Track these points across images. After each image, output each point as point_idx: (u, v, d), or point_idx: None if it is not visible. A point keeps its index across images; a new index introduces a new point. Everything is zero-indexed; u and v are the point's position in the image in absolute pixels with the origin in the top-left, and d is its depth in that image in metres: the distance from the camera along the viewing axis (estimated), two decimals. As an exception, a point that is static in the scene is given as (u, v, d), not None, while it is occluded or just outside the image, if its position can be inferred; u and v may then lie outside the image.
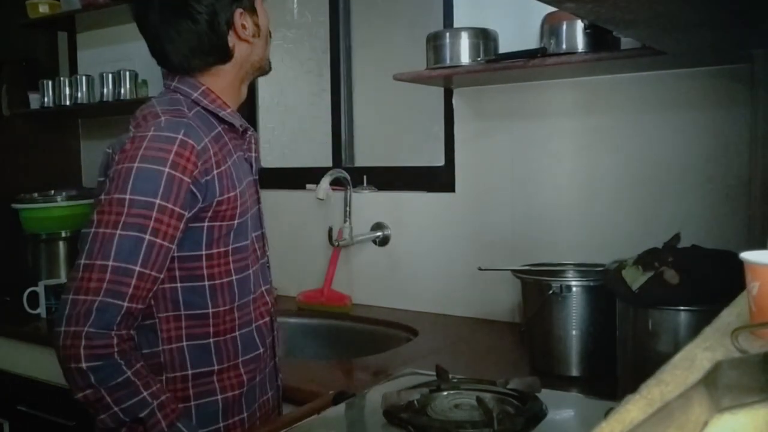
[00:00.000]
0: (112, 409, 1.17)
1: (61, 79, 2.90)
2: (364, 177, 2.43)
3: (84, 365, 1.14)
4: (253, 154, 1.43)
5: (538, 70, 1.83)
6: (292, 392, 1.54)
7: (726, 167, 1.75)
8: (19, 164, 3.00)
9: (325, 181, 2.20)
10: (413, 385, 1.29)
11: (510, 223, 2.09)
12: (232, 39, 1.34)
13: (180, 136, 1.21)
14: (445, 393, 1.25)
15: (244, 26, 1.35)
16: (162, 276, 1.22)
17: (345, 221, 2.34)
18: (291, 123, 2.78)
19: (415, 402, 1.21)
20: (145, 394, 1.18)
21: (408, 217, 2.31)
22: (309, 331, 2.30)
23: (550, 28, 1.80)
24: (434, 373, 1.35)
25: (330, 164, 2.55)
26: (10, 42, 3.12)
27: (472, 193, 2.18)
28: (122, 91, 2.73)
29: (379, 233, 2.35)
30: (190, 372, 1.29)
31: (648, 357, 1.27)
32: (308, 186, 2.49)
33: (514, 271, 1.70)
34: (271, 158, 2.72)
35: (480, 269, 1.85)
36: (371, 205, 2.38)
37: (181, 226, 1.21)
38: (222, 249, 1.28)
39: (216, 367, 1.31)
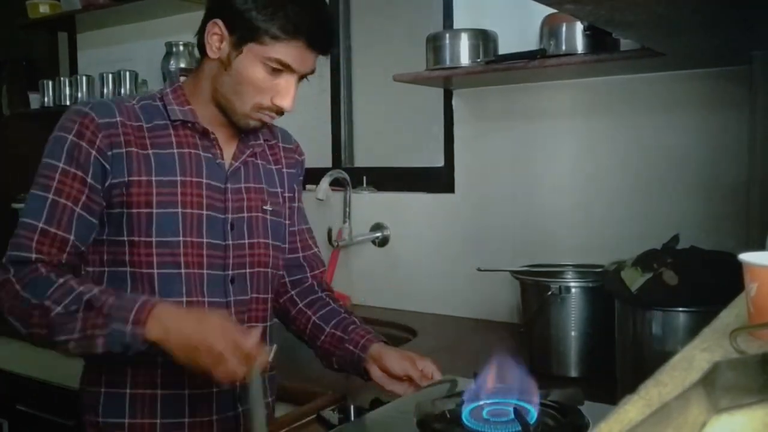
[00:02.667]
0: (54, 309, 1.16)
1: (62, 79, 2.90)
2: (364, 177, 2.44)
3: (21, 292, 1.19)
4: (234, 159, 1.39)
5: (537, 71, 1.83)
6: (292, 392, 1.55)
7: (725, 168, 1.76)
8: (19, 164, 2.99)
9: (325, 182, 2.20)
10: (448, 394, 1.26)
11: (509, 224, 2.09)
12: (209, 45, 1.31)
13: (86, 110, 1.28)
14: (482, 403, 1.22)
15: (212, 40, 1.30)
16: (71, 237, 1.25)
17: (344, 222, 2.34)
18: (290, 124, 2.77)
19: (448, 412, 1.18)
20: (79, 288, 1.19)
21: (407, 217, 2.32)
22: (308, 332, 2.29)
23: (549, 29, 1.80)
24: (472, 380, 1.33)
25: (329, 165, 2.56)
26: (11, 42, 3.13)
27: (472, 193, 2.18)
28: (122, 91, 2.73)
29: (378, 234, 2.35)
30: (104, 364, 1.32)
31: (646, 358, 1.27)
32: (308, 186, 2.49)
33: (513, 271, 1.70)
34: (270, 159, 2.72)
35: (479, 270, 1.85)
36: (371, 205, 2.39)
37: (86, 191, 1.26)
38: (143, 238, 1.28)
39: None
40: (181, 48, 2.66)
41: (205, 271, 1.34)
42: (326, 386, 1.52)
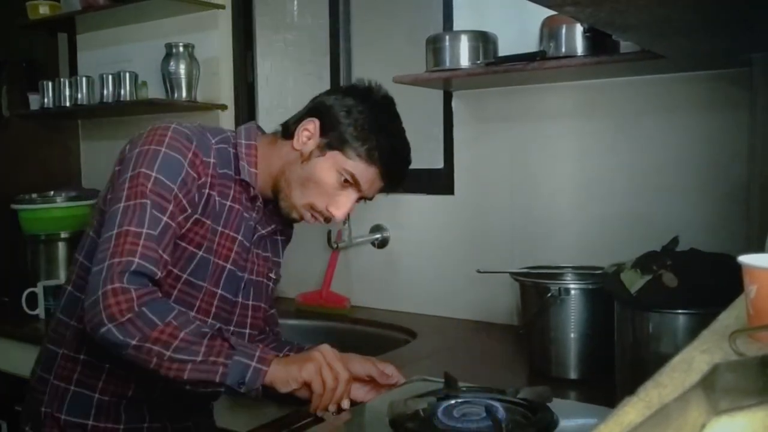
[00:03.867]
0: (183, 330, 1.17)
1: (61, 80, 2.90)
2: (364, 179, 2.43)
3: (137, 309, 1.16)
4: (260, 226, 1.46)
5: (537, 73, 1.83)
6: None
7: (725, 171, 1.76)
8: (19, 165, 3.00)
9: (325, 183, 2.20)
10: (420, 394, 1.28)
11: (509, 226, 2.09)
12: (297, 137, 1.38)
13: (194, 141, 1.31)
14: (453, 402, 1.23)
15: (302, 134, 1.38)
16: (168, 261, 1.27)
17: (344, 223, 2.33)
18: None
19: (422, 411, 1.19)
20: (198, 323, 1.22)
21: (407, 219, 2.32)
22: (308, 333, 2.30)
23: (549, 31, 1.80)
24: (442, 380, 1.35)
25: (329, 166, 2.55)
26: (10, 43, 3.13)
27: (471, 195, 2.18)
28: (122, 92, 2.73)
29: (378, 235, 2.35)
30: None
31: (646, 360, 1.27)
32: (307, 188, 2.49)
33: (512, 273, 1.70)
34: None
35: (479, 272, 1.85)
36: (370, 207, 2.38)
37: (182, 219, 1.28)
38: (177, 271, 1.32)
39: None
40: (181, 49, 2.67)
41: (209, 320, 1.40)
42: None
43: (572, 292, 1.54)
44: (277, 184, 1.39)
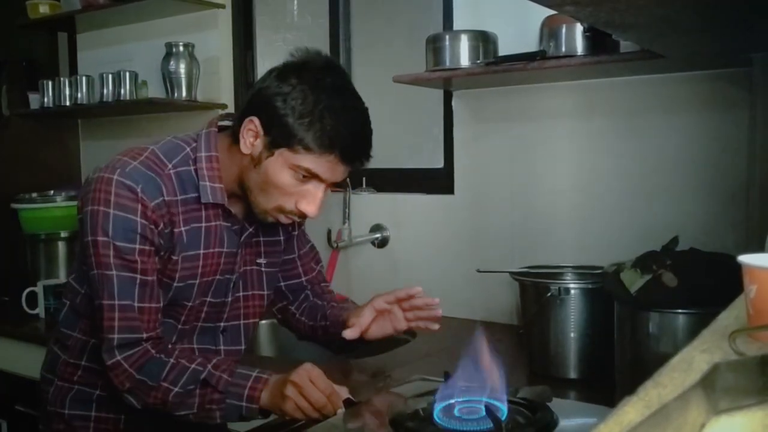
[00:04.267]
0: (173, 390, 1.24)
1: (61, 79, 2.90)
2: (363, 178, 2.44)
3: (135, 377, 1.25)
4: (240, 225, 1.40)
5: (537, 72, 1.83)
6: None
7: (724, 170, 1.76)
8: (19, 164, 2.99)
9: (325, 183, 2.20)
10: (420, 393, 1.28)
11: (509, 225, 2.10)
12: (243, 139, 1.28)
13: (138, 190, 1.25)
14: (453, 401, 1.24)
15: (247, 136, 1.28)
16: (160, 305, 1.31)
17: (344, 223, 2.34)
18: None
19: (421, 410, 1.19)
20: (192, 366, 1.26)
21: (407, 218, 2.32)
22: (307, 333, 2.29)
23: (549, 31, 1.80)
24: (442, 379, 1.35)
25: (329, 166, 2.55)
26: (11, 42, 3.13)
27: (471, 195, 2.18)
28: (122, 91, 2.73)
29: (378, 235, 2.35)
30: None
31: (646, 359, 1.27)
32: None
33: (512, 273, 1.70)
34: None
35: (478, 271, 1.85)
36: (370, 206, 2.39)
37: (157, 261, 1.30)
38: (154, 305, 1.31)
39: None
40: (181, 49, 2.67)
41: (199, 324, 1.42)
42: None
43: (572, 291, 1.54)
44: (243, 191, 1.32)
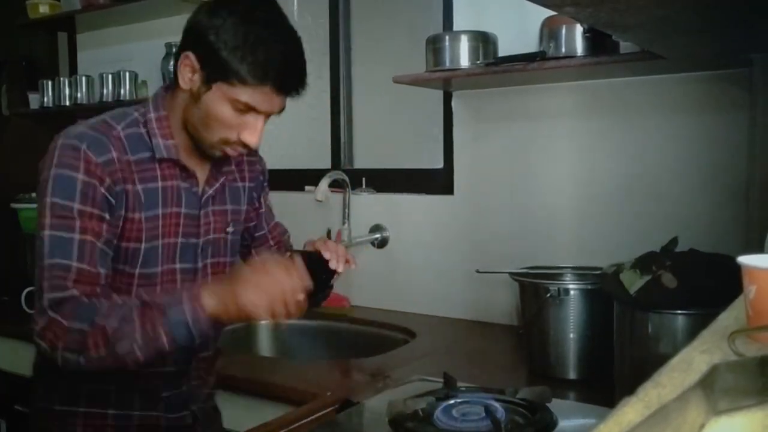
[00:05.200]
0: (109, 325, 1.17)
1: (61, 79, 2.90)
2: (363, 179, 2.44)
3: (66, 326, 1.18)
4: (208, 186, 1.41)
5: (537, 73, 1.83)
6: (290, 393, 1.55)
7: (724, 171, 1.76)
8: (19, 164, 2.98)
9: (324, 183, 2.20)
10: (420, 393, 1.28)
11: (508, 226, 2.10)
12: (181, 76, 1.29)
13: (84, 147, 1.24)
14: (453, 402, 1.24)
15: (184, 72, 1.28)
16: (101, 271, 1.25)
17: (344, 223, 2.34)
18: (290, 124, 2.78)
19: (421, 411, 1.20)
20: (127, 303, 1.21)
21: (407, 219, 2.32)
22: (307, 333, 2.30)
23: (549, 31, 1.81)
24: (441, 380, 1.35)
25: (329, 166, 2.56)
26: (11, 42, 3.13)
27: (471, 195, 2.18)
28: (122, 91, 2.74)
29: (377, 235, 2.35)
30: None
31: (645, 360, 1.27)
32: (307, 188, 2.49)
33: (512, 273, 1.70)
34: (270, 160, 2.71)
35: (478, 272, 1.86)
36: (370, 207, 2.39)
37: (104, 226, 1.26)
38: (128, 269, 1.31)
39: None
40: (181, 48, 2.66)
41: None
42: (324, 387, 1.52)
43: (571, 292, 1.54)
44: (188, 132, 1.33)
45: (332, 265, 1.42)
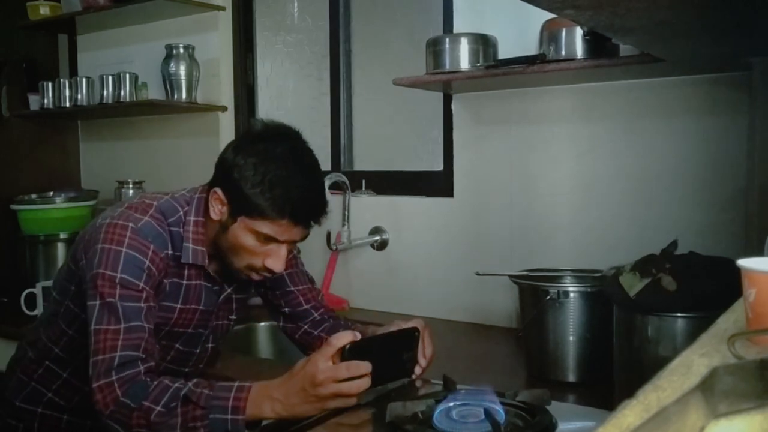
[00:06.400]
0: (155, 409, 1.23)
1: (61, 80, 2.90)
2: (363, 181, 2.44)
3: (120, 399, 1.24)
4: (235, 292, 1.54)
5: (537, 76, 1.84)
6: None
7: (724, 174, 1.76)
8: (18, 165, 2.99)
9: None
10: (419, 396, 1.28)
11: (508, 229, 2.10)
12: (212, 208, 1.41)
13: (150, 240, 1.36)
14: (452, 404, 1.24)
15: (215, 205, 1.40)
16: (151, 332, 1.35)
17: (343, 225, 2.34)
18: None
19: (420, 413, 1.20)
20: (174, 385, 1.26)
21: (406, 221, 2.32)
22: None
23: (549, 34, 1.81)
24: (441, 382, 1.35)
25: (329, 168, 2.56)
26: (11, 43, 3.13)
27: (471, 198, 2.18)
28: (122, 93, 2.73)
29: (377, 237, 2.35)
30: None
31: (645, 363, 1.27)
32: (307, 190, 2.49)
33: (511, 276, 1.70)
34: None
35: (477, 274, 1.85)
36: (370, 209, 2.39)
37: (154, 302, 1.38)
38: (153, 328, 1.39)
39: None
40: (182, 50, 2.67)
41: (164, 364, 1.47)
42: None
43: (571, 295, 1.54)
44: (218, 253, 1.43)
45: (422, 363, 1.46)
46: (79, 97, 2.86)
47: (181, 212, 1.43)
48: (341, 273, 2.41)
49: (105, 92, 2.76)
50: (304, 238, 1.42)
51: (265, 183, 1.32)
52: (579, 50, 1.76)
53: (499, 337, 1.99)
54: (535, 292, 1.59)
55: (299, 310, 1.68)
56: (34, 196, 2.74)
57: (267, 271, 1.41)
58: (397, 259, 2.33)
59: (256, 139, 1.39)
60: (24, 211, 2.68)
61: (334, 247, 2.30)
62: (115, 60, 2.92)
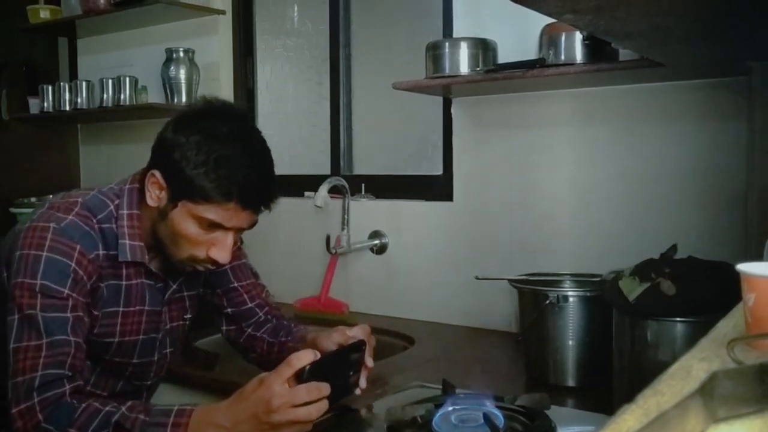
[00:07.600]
0: None
1: (61, 84, 2.91)
2: (362, 185, 2.44)
3: (42, 424, 1.13)
4: (181, 286, 1.42)
5: (536, 80, 1.84)
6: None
7: (723, 179, 1.76)
8: (18, 168, 3.00)
9: (324, 189, 2.20)
10: (418, 400, 1.28)
11: (507, 233, 2.10)
12: (149, 193, 1.29)
13: (76, 241, 1.23)
14: (451, 408, 1.23)
15: (152, 189, 1.28)
16: (84, 347, 1.24)
17: (343, 229, 2.34)
18: (290, 130, 2.78)
19: (419, 418, 1.19)
20: (105, 409, 1.15)
21: (406, 225, 2.32)
22: (306, 339, 2.29)
23: (549, 38, 1.81)
24: (440, 386, 1.34)
25: (328, 172, 2.56)
26: (11, 46, 3.13)
27: (470, 202, 2.18)
28: (122, 96, 2.74)
29: (376, 241, 2.35)
30: None
31: (644, 367, 1.27)
32: (306, 193, 2.50)
33: (511, 280, 1.70)
34: (269, 165, 2.72)
35: (477, 278, 1.85)
36: (369, 213, 2.39)
37: (84, 312, 1.25)
38: (82, 342, 1.27)
39: None
40: (182, 54, 2.67)
41: (120, 383, 1.40)
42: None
43: (570, 299, 1.54)
44: (157, 244, 1.31)
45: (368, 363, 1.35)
46: (79, 100, 2.86)
47: (112, 206, 1.30)
48: (340, 277, 2.41)
49: (105, 96, 2.76)
50: (252, 225, 1.29)
51: (210, 163, 1.20)
52: (578, 55, 1.76)
53: (499, 341, 1.99)
54: (534, 296, 1.59)
55: (243, 309, 1.56)
56: (33, 199, 2.74)
57: (211, 263, 1.29)
58: (397, 263, 2.33)
59: (200, 117, 1.27)
60: (23, 214, 2.68)
61: (333, 251, 2.30)
62: (115, 63, 2.92)
